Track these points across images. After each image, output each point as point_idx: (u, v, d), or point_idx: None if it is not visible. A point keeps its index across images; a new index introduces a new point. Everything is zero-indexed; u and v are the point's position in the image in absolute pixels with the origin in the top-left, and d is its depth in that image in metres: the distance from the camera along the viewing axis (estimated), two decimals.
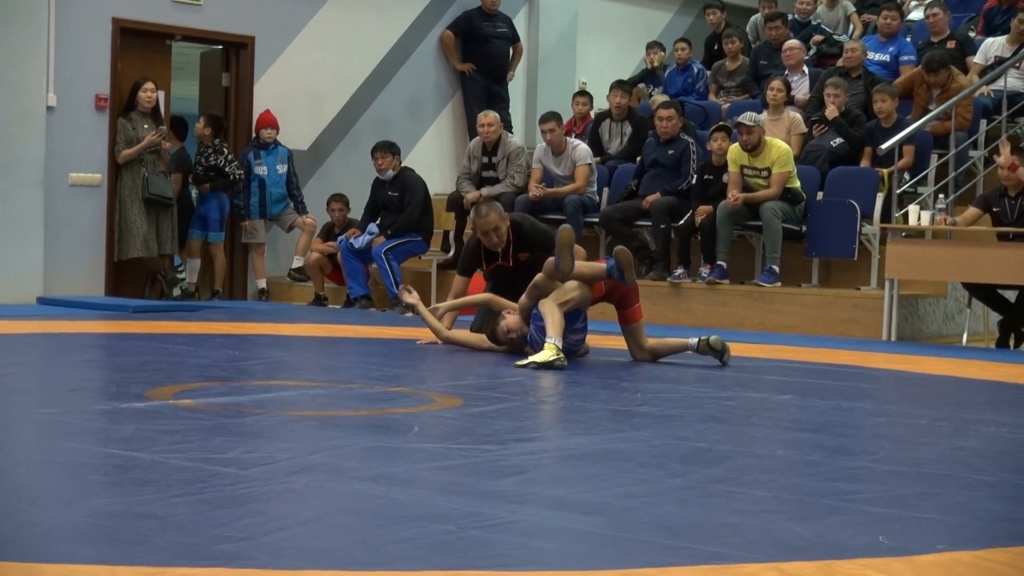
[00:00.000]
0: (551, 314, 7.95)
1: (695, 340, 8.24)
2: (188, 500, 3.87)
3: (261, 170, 13.20)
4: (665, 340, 8.49)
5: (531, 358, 7.82)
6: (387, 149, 12.70)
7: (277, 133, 13.32)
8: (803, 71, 13.57)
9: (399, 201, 12.59)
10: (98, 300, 11.99)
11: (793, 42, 13.77)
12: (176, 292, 12.82)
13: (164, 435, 4.96)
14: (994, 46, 13.03)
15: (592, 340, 8.47)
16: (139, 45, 12.95)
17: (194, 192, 13.24)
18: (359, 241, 12.49)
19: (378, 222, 12.62)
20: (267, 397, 6.26)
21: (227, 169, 12.94)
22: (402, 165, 12.81)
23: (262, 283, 13.39)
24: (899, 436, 5.74)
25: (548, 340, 7.84)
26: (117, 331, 9.79)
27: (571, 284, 8.06)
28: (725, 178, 11.66)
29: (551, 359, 7.70)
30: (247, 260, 13.58)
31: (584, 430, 5.59)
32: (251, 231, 13.34)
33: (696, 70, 15.01)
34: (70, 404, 5.90)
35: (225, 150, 13.03)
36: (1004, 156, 10.31)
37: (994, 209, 10.43)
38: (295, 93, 13.87)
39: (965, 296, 10.91)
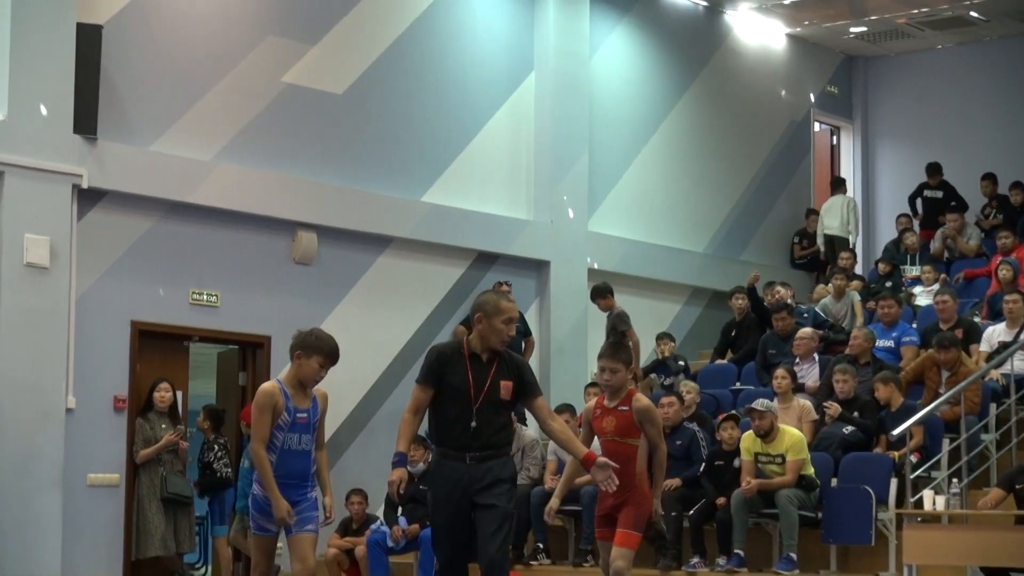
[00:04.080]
0: None
1: None
2: None
3: None
4: None
5: None
6: (419, 443, 12.75)
7: None
8: (813, 358, 13.76)
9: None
10: None
11: (805, 331, 13.99)
12: None
13: None
14: (996, 333, 13.24)
15: None
16: (157, 346, 13.17)
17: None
18: (400, 544, 12.42)
19: (400, 513, 12.58)
20: None
21: (215, 466, 13.01)
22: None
23: None
24: None
25: None
26: None
27: None
28: (736, 463, 11.70)
29: None
30: None
31: None
32: None
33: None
34: None
35: (216, 447, 13.09)
36: None
37: (1017, 487, 10.40)
38: None
39: None
